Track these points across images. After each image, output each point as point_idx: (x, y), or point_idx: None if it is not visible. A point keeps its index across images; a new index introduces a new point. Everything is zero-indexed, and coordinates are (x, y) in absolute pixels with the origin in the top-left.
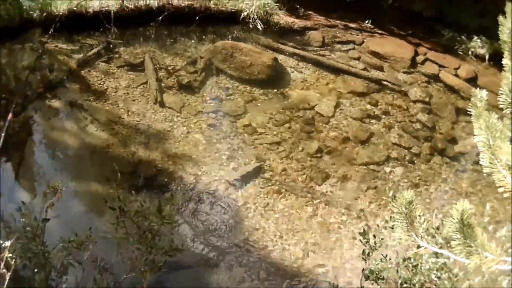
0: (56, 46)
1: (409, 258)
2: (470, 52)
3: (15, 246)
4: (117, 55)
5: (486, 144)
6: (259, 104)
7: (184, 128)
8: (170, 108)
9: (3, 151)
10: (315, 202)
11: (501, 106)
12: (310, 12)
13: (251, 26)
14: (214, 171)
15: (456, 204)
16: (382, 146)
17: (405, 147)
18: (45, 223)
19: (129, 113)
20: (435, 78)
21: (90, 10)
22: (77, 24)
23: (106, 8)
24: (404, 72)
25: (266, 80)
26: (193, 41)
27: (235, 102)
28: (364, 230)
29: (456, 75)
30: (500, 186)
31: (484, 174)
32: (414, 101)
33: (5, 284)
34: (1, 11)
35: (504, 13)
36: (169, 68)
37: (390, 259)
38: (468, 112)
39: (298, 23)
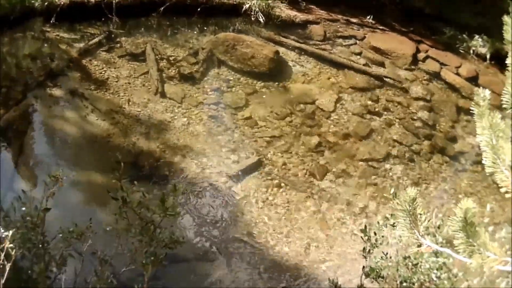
0: (57, 35)
1: (409, 257)
2: (471, 51)
3: (15, 236)
4: (118, 45)
5: (489, 143)
6: (260, 97)
7: (185, 119)
8: (171, 98)
9: (3, 140)
10: (315, 197)
11: (504, 106)
12: (312, 6)
13: (252, 18)
14: (214, 163)
15: (457, 203)
16: (383, 143)
17: (406, 145)
18: (45, 213)
19: (130, 103)
20: (436, 76)
21: None
22: (79, 13)
23: None
24: (405, 69)
25: (267, 72)
26: (194, 32)
27: (236, 94)
28: (365, 227)
29: (457, 74)
30: (502, 186)
31: (484, 175)
32: (415, 99)
33: (5, 275)
34: (2, 0)
35: (508, 13)
36: (171, 58)
37: (390, 257)
38: (470, 111)
39: (299, 16)
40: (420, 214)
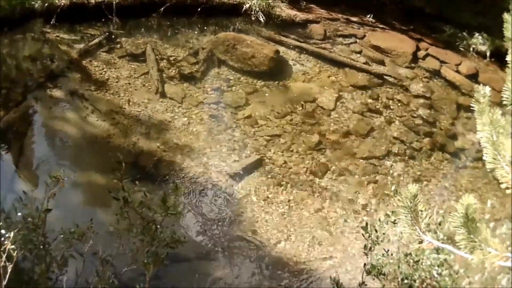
0: (58, 36)
1: (410, 254)
2: (471, 49)
3: (16, 237)
4: (118, 45)
5: (490, 140)
6: (260, 96)
7: (185, 119)
8: (171, 98)
9: (3, 141)
10: (316, 195)
11: (504, 102)
12: (312, 5)
13: (253, 18)
14: (215, 162)
15: (457, 200)
16: (383, 141)
17: (406, 142)
18: (46, 214)
19: (130, 103)
20: (436, 73)
21: (92, 0)
22: (79, 14)
23: None
24: (405, 67)
25: (267, 72)
26: (195, 32)
27: (237, 94)
28: (366, 224)
29: (457, 71)
30: (502, 182)
31: (484, 171)
32: (415, 96)
33: (7, 276)
34: (2, 1)
35: (508, 11)
36: (171, 58)
37: (392, 254)
38: (470, 108)
39: (300, 16)
40: (421, 211)
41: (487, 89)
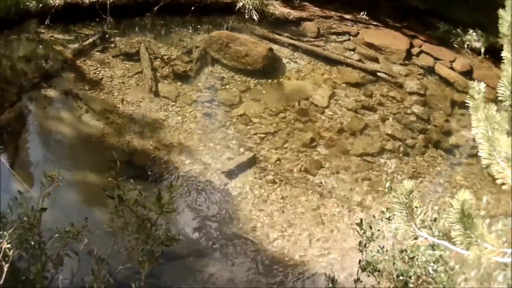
0: (52, 36)
1: (406, 250)
2: (465, 46)
3: (12, 237)
4: (112, 45)
5: (485, 135)
6: (254, 94)
7: (179, 117)
8: (165, 97)
9: None
10: (310, 192)
11: (500, 98)
12: (305, 3)
13: (246, 16)
14: (209, 160)
15: (452, 197)
16: (377, 138)
17: (400, 139)
18: (42, 213)
19: (124, 102)
20: (430, 70)
21: (86, 0)
22: (73, 14)
23: None
24: (399, 64)
25: (261, 70)
26: (188, 31)
27: (230, 92)
28: (361, 220)
29: (452, 68)
30: (498, 178)
31: (478, 168)
32: (409, 93)
33: (3, 276)
34: None
35: (504, 7)
36: (165, 57)
37: (387, 251)
38: (464, 105)
39: (293, 13)
40: (416, 207)
41: (482, 85)
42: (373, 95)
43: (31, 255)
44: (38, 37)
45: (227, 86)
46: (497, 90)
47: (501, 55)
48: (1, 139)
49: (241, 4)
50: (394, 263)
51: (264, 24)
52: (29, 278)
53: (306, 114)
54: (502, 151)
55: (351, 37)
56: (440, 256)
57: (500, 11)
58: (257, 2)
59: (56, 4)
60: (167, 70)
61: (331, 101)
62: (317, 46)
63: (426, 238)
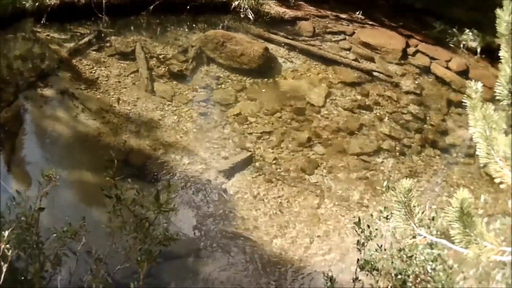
0: (48, 35)
1: (404, 249)
2: (461, 45)
3: (10, 237)
4: (108, 44)
5: (483, 135)
6: (250, 93)
7: (175, 116)
8: (161, 96)
9: None
10: (307, 192)
11: (498, 97)
12: (301, 2)
13: (242, 15)
14: (205, 160)
15: (449, 196)
16: (373, 137)
17: (396, 138)
18: (39, 213)
19: (120, 101)
20: (426, 70)
21: None
22: (69, 13)
23: None
24: (395, 64)
25: (257, 69)
26: (184, 30)
27: (226, 91)
28: (358, 219)
29: (448, 68)
30: (496, 177)
31: (475, 167)
32: (405, 93)
33: (2, 276)
34: None
35: (501, 6)
36: (160, 57)
37: (385, 250)
38: (461, 104)
39: (289, 13)
40: (414, 206)
41: (479, 84)
42: (369, 95)
43: (29, 255)
44: (34, 36)
45: (223, 86)
46: (495, 89)
47: (498, 54)
48: None
49: (236, 3)
50: (392, 262)
51: (260, 23)
52: (27, 278)
53: (302, 113)
54: (500, 150)
55: (347, 37)
56: (439, 254)
57: (498, 11)
58: (253, 1)
59: (52, 3)
60: (163, 69)
61: (327, 100)
62: (313, 45)
63: (425, 237)
